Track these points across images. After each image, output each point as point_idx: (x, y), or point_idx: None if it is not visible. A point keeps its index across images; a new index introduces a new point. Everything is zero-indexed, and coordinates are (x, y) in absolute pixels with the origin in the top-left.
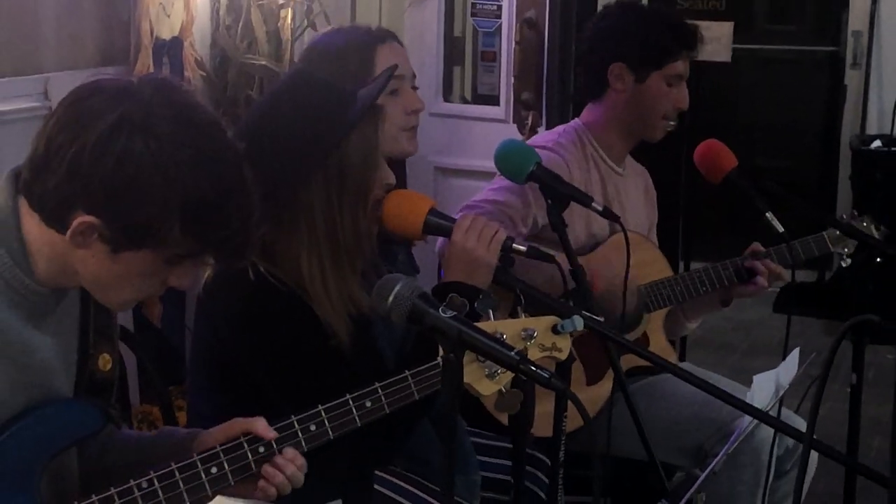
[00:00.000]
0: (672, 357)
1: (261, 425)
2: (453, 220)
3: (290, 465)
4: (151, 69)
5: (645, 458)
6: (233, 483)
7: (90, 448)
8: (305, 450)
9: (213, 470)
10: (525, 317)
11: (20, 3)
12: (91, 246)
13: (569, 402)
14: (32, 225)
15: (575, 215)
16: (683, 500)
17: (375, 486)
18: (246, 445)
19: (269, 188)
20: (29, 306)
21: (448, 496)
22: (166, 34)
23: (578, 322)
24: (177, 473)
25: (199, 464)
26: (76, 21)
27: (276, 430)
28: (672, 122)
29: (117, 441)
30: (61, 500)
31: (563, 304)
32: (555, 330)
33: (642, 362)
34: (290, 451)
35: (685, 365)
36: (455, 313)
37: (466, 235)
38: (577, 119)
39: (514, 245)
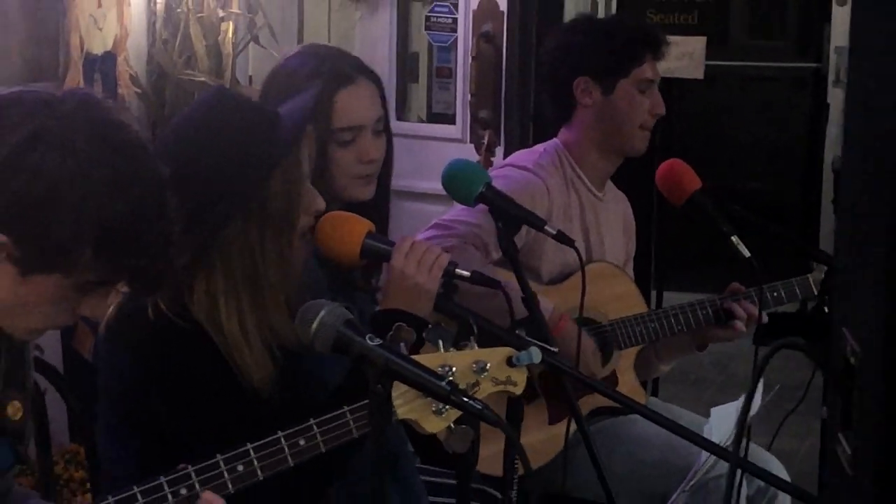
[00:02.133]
0: (642, 399)
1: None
2: (393, 244)
3: None
4: (82, 85)
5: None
6: None
7: None
8: (232, 491)
9: None
10: (476, 349)
11: None
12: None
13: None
14: None
15: (549, 243)
16: None
17: None
18: (167, 487)
19: (186, 221)
20: None
21: None
22: (98, 48)
23: (536, 354)
24: None
25: None
26: (1, 34)
27: (198, 469)
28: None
29: None
30: None
31: (516, 335)
32: (510, 363)
33: (607, 401)
34: (208, 495)
35: (655, 401)
36: (381, 342)
37: (406, 260)
38: (555, 139)
39: (457, 270)
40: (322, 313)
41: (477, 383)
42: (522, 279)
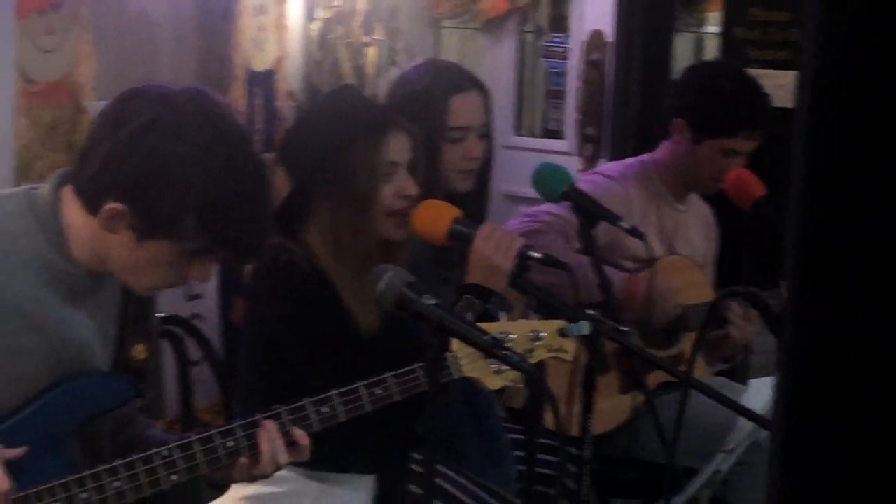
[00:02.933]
0: (706, 375)
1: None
2: (476, 229)
3: (278, 441)
4: (244, 99)
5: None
6: (245, 454)
7: (121, 434)
8: (317, 430)
9: (230, 444)
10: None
11: (138, 35)
12: (119, 232)
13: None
14: (74, 211)
15: (629, 240)
16: (685, 498)
17: (412, 466)
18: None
19: (296, 188)
20: (64, 286)
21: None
22: (259, 66)
23: (584, 327)
24: (194, 445)
25: (217, 437)
26: (181, 52)
27: (288, 410)
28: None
29: (147, 437)
30: (93, 465)
31: (573, 308)
32: (562, 333)
33: (673, 378)
34: (297, 432)
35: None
36: (438, 302)
37: (486, 243)
38: (648, 154)
39: (530, 253)
40: (388, 276)
41: (532, 349)
42: (599, 266)
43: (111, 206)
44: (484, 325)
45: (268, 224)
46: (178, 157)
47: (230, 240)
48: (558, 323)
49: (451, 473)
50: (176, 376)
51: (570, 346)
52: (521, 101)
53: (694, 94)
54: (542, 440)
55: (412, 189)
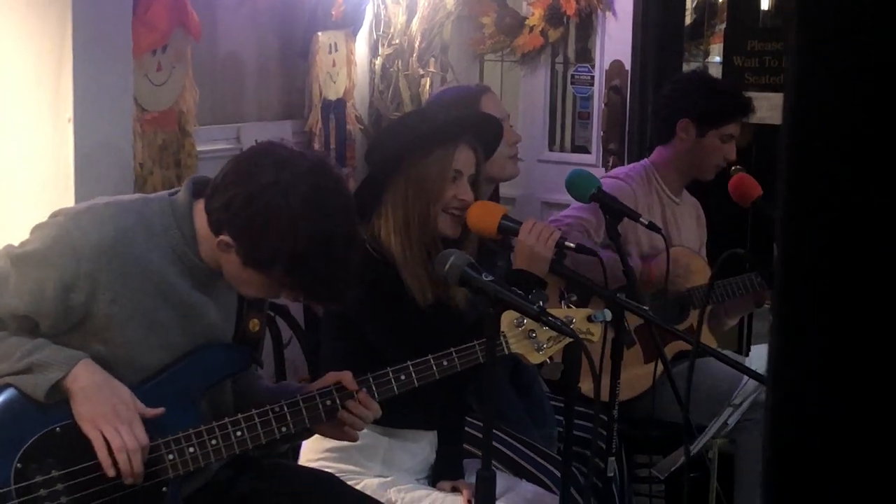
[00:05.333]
0: (712, 343)
1: (347, 378)
2: (520, 224)
3: (361, 408)
4: (320, 123)
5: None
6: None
7: (240, 384)
8: (396, 393)
9: (328, 403)
10: (567, 308)
11: (230, 71)
12: (230, 255)
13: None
14: (203, 223)
15: (640, 232)
16: (698, 446)
17: (467, 429)
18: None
19: (372, 184)
20: (194, 276)
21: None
22: (333, 96)
23: (608, 314)
24: (300, 403)
25: (318, 397)
26: (267, 85)
27: (374, 377)
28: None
29: (257, 387)
30: (218, 418)
31: (603, 289)
32: (589, 319)
33: (688, 347)
34: (363, 396)
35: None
36: (493, 279)
37: (529, 234)
38: (646, 159)
39: (566, 243)
40: (452, 258)
41: None
42: (622, 256)
43: (225, 237)
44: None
45: (349, 285)
46: (281, 219)
47: (308, 291)
48: (586, 311)
49: (498, 433)
50: (271, 354)
51: (597, 330)
52: (553, 122)
53: (696, 96)
54: (578, 407)
55: (469, 196)
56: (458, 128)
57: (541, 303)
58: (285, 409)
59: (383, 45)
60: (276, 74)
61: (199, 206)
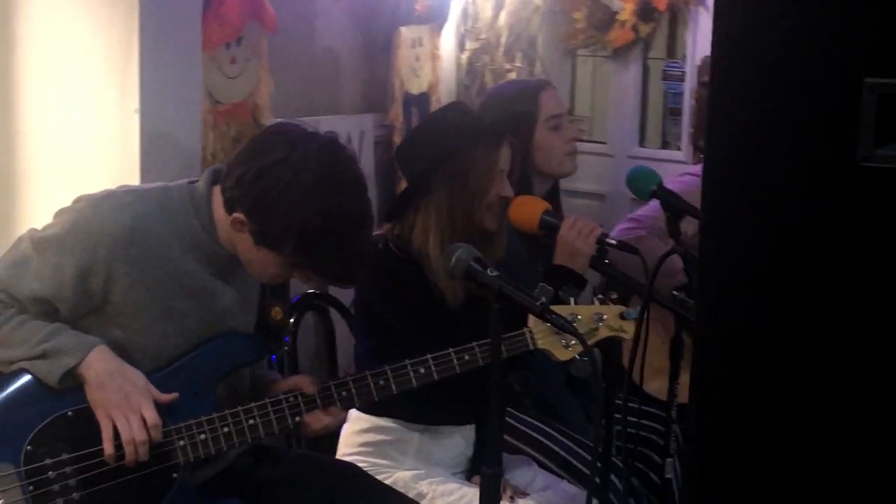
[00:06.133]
0: None
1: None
2: (562, 219)
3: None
4: (401, 117)
5: None
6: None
7: (258, 371)
8: (415, 386)
9: (343, 393)
10: (599, 304)
11: (313, 64)
12: (244, 233)
13: None
14: (220, 207)
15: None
16: None
17: (508, 420)
18: (369, 378)
19: (412, 182)
20: (212, 262)
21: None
22: (415, 90)
23: (636, 313)
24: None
25: (333, 388)
26: (349, 78)
27: (392, 369)
28: None
29: (269, 379)
30: (233, 405)
31: (641, 286)
32: (622, 316)
33: None
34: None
35: None
36: (499, 273)
37: (570, 231)
38: None
39: (607, 240)
40: (458, 252)
41: (596, 328)
42: (686, 253)
43: (238, 215)
44: (556, 308)
45: (361, 264)
46: (291, 194)
47: (320, 269)
48: (619, 308)
49: (543, 426)
50: (324, 340)
51: (630, 326)
52: (644, 118)
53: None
54: (635, 405)
55: (509, 192)
56: (503, 127)
57: (544, 299)
58: (298, 398)
59: (470, 39)
60: (358, 68)
61: (217, 192)
